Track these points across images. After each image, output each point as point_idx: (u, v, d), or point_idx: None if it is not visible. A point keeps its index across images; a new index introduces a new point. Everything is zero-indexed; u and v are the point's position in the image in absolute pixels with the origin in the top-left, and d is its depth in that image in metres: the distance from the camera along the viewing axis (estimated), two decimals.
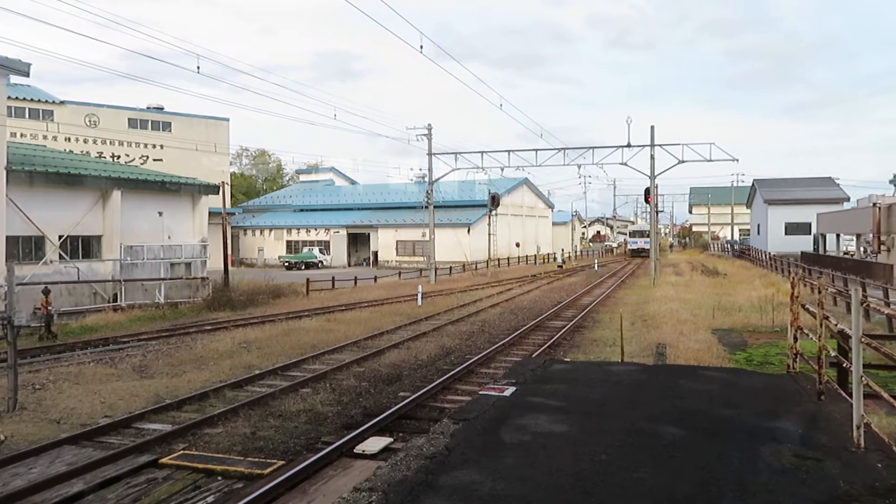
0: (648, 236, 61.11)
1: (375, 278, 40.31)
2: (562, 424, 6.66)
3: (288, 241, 66.97)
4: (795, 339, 8.64)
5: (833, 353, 7.64)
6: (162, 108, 60.28)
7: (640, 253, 71.57)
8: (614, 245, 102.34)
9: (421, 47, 28.30)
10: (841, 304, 21.95)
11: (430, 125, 39.39)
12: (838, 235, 46.44)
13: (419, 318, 22.37)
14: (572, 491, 4.98)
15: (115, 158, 52.18)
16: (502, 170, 41.21)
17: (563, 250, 67.57)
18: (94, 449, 9.03)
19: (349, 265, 63.12)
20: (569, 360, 13.49)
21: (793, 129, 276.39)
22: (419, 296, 27.12)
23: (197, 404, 11.36)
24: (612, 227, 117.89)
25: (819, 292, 7.49)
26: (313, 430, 9.76)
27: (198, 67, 55.06)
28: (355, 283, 37.25)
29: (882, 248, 32.91)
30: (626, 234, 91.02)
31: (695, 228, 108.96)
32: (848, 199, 56.77)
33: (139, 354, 16.17)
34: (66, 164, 27.16)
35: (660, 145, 36.02)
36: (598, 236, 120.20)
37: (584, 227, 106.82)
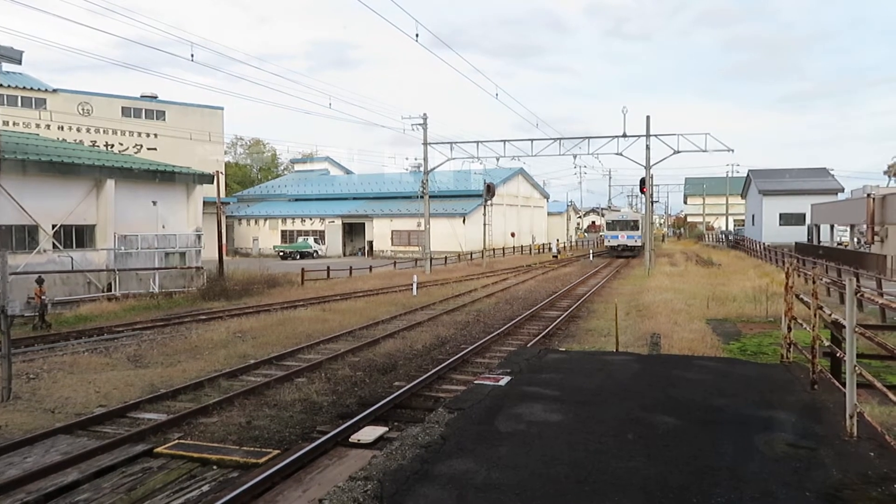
0: (635, 228, 54.27)
1: (371, 268, 40.28)
2: (557, 414, 6.68)
3: (283, 231, 66.83)
4: (789, 328, 8.67)
5: (827, 343, 7.67)
6: (156, 97, 59.90)
7: (622, 252, 54.36)
8: None
9: (416, 36, 28.13)
10: (834, 295, 22.06)
11: (425, 115, 39.29)
12: (832, 226, 46.57)
13: (414, 307, 22.38)
14: (567, 480, 5.00)
15: (109, 147, 51.88)
16: (498, 160, 41.18)
17: (558, 240, 67.61)
18: (88, 438, 9.03)
19: (344, 255, 63.03)
20: (564, 349, 13.52)
21: (788, 119, 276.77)
22: (414, 285, 27.13)
23: (192, 394, 11.37)
24: None
25: (813, 282, 7.51)
26: (308, 419, 9.78)
27: (192, 56, 54.73)
28: (350, 272, 37.23)
29: (876, 238, 33.04)
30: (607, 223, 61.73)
31: (690, 219, 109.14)
32: (842, 190, 56.92)
33: (134, 344, 16.14)
34: (59, 152, 26.97)
35: (655, 135, 36.04)
36: (593, 226, 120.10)
37: (580, 217, 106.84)
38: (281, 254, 58.71)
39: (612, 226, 57.63)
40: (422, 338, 16.48)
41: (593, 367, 9.04)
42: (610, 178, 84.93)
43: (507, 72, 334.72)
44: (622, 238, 54.95)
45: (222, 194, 33.05)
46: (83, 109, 54.16)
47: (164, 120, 58.23)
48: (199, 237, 30.07)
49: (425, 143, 39.47)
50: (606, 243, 58.18)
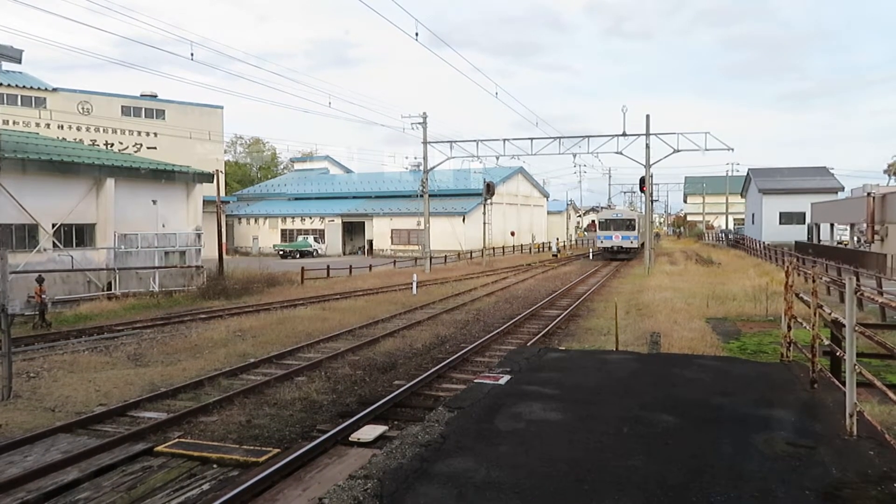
0: (630, 227, 50.87)
1: (370, 267, 40.28)
2: (556, 412, 6.69)
3: (283, 230, 66.81)
4: (789, 327, 8.67)
5: (826, 342, 7.68)
6: (155, 96, 59.86)
7: (616, 254, 49.29)
8: None
9: (416, 35, 28.05)
10: (834, 294, 22.05)
11: (425, 114, 39.30)
12: (832, 225, 46.57)
13: (414, 306, 22.38)
14: (566, 478, 5.01)
15: (109, 146, 51.89)
16: (497, 158, 41.12)
17: (557, 239, 67.67)
18: (89, 437, 9.03)
19: (344, 254, 63.02)
20: (563, 348, 13.53)
21: (787, 118, 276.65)
22: (414, 284, 27.12)
23: (192, 392, 11.37)
24: None
25: (813, 281, 7.51)
26: (308, 418, 9.78)
27: (192, 55, 54.70)
28: (350, 271, 37.22)
29: (875, 237, 33.07)
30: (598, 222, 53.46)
31: (689, 217, 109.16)
32: (842, 189, 56.95)
33: (134, 343, 16.14)
34: (59, 151, 26.96)
35: (655, 134, 36.04)
36: (592, 226, 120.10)
37: (580, 216, 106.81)
38: (281, 252, 58.71)
39: (605, 225, 51.34)
40: (422, 337, 16.49)
41: (593, 365, 9.04)
42: (610, 176, 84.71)
43: (506, 70, 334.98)
44: (616, 239, 49.70)
45: (222, 193, 33.07)
46: (83, 108, 54.13)
47: (163, 119, 58.17)
48: (198, 236, 30.06)
49: (425, 142, 39.47)
50: (599, 244, 51.80)
